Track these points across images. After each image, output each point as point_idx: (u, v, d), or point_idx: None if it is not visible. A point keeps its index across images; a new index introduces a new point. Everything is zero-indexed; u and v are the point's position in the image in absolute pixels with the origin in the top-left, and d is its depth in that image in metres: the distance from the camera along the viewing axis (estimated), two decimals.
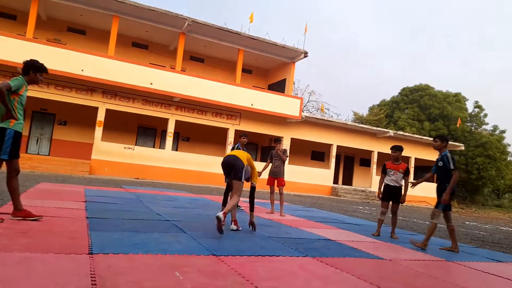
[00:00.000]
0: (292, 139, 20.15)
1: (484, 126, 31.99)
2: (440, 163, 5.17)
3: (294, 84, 24.75)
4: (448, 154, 5.13)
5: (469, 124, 31.67)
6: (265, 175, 7.78)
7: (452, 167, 5.02)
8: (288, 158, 7.59)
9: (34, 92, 15.22)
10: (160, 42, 19.64)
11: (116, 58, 16.17)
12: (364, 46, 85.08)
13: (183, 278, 2.65)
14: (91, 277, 2.48)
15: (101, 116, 16.19)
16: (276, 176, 7.57)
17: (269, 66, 22.01)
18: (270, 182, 7.64)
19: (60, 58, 14.89)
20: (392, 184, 5.86)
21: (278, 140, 7.75)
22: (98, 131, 16.08)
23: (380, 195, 6.03)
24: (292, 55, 20.05)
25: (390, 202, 5.95)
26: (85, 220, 4.58)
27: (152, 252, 3.27)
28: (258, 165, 8.26)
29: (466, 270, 4.07)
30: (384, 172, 6.01)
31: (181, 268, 2.90)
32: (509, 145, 30.30)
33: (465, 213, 19.95)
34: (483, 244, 6.62)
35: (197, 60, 20.87)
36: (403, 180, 5.85)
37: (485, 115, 32.08)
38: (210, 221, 5.60)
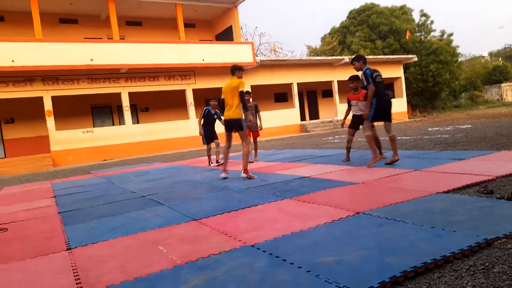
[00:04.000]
0: (252, 86, 19.92)
1: (432, 33, 32.68)
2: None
3: (241, 29, 23.98)
4: (362, 72, 5.24)
5: (418, 34, 32.22)
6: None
7: (365, 83, 5.18)
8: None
9: None
10: (89, 13, 18.14)
11: (46, 40, 14.87)
12: None
13: (167, 250, 2.66)
14: (74, 272, 2.44)
15: (48, 105, 15.22)
16: (252, 130, 7.90)
17: (212, 15, 21.04)
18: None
19: None
20: (358, 113, 6.02)
21: (248, 93, 7.80)
22: (50, 121, 15.20)
23: (344, 125, 6.25)
24: None
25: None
26: (57, 216, 4.45)
27: (131, 233, 3.24)
28: None
29: (432, 175, 4.33)
30: (349, 104, 6.15)
31: (163, 241, 2.89)
32: (458, 46, 31.34)
33: (427, 120, 20.99)
34: (446, 146, 7.02)
35: (134, 25, 19.59)
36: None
37: (432, 22, 32.64)
38: (186, 187, 5.60)
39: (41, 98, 15.22)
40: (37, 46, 14.40)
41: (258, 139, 8.36)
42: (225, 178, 5.73)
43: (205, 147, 8.43)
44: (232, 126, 5.57)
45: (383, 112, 5.24)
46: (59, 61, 14.67)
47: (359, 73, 5.49)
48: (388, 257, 2.06)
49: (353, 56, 5.62)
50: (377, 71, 5.33)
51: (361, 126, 5.97)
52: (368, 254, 2.14)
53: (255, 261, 2.24)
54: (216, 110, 7.87)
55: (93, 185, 7.21)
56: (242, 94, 5.38)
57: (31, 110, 16.33)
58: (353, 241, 2.39)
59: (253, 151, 8.26)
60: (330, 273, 1.95)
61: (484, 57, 50.72)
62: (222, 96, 5.69)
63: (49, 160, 14.81)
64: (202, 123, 7.89)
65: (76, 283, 2.25)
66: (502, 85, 35.37)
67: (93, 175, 9.31)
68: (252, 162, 7.85)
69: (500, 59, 44.86)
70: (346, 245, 2.32)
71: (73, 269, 2.50)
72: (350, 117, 6.25)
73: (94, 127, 17.41)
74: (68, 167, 14.36)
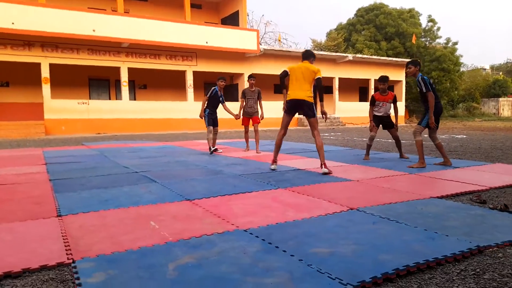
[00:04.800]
0: (253, 74, 19.77)
1: (437, 40, 32.74)
2: (418, 88, 5.23)
3: (248, 15, 23.71)
4: (420, 78, 5.11)
5: (423, 39, 32.23)
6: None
7: (424, 90, 5.06)
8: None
9: None
10: None
11: (49, 5, 14.57)
12: None
13: (159, 226, 2.65)
14: (63, 239, 2.42)
15: (45, 72, 14.98)
16: (251, 116, 7.41)
17: None
18: (245, 122, 7.50)
19: None
20: (381, 114, 6.10)
21: (252, 76, 7.39)
22: (46, 88, 14.98)
23: (372, 128, 6.12)
24: None
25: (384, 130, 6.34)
26: (48, 183, 4.40)
27: (124, 206, 3.22)
28: (228, 105, 7.85)
29: (426, 179, 4.36)
30: (372, 103, 6.13)
31: (156, 217, 2.88)
32: (461, 56, 31.42)
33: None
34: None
35: None
36: (392, 109, 6.10)
37: (438, 29, 32.68)
38: (180, 167, 5.57)
39: (38, 65, 14.97)
40: (39, 11, 14.11)
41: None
42: (274, 170, 5.04)
43: (202, 130, 8.11)
44: (301, 108, 4.89)
45: (437, 117, 5.25)
46: (61, 28, 14.40)
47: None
48: (381, 254, 2.07)
49: (409, 60, 5.34)
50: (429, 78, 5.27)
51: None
52: (361, 249, 2.15)
53: (248, 245, 2.24)
54: (221, 93, 7.28)
55: (86, 156, 7.15)
56: (319, 81, 4.81)
57: (27, 76, 16.07)
58: (346, 235, 2.40)
59: (252, 140, 7.71)
60: (322, 263, 1.95)
61: (485, 69, 50.94)
62: (289, 72, 4.92)
63: (42, 128, 14.64)
64: (206, 104, 7.20)
65: (66, 249, 2.23)
66: (500, 99, 35.63)
67: (86, 147, 9.23)
68: (259, 153, 7.24)
69: (501, 73, 45.13)
70: (339, 239, 2.33)
71: (63, 236, 2.48)
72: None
73: (90, 99, 17.21)
74: (60, 136, 14.21)
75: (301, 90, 4.84)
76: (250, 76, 7.46)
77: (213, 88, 7.19)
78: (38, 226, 2.73)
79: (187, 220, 2.79)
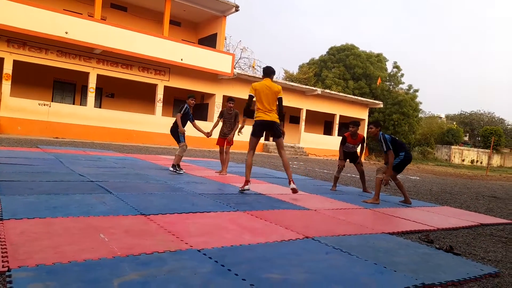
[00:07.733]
0: (224, 96, 19.92)
1: (400, 85, 34.66)
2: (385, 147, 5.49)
3: (225, 39, 24.11)
4: (381, 138, 5.40)
5: (388, 83, 34.02)
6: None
7: (385, 149, 5.35)
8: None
9: None
10: None
11: (21, 1, 14.08)
12: (298, 4, 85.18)
13: (108, 239, 2.53)
14: (1, 244, 2.26)
15: (8, 69, 14.28)
16: (226, 137, 7.30)
17: (199, 19, 21.00)
18: (220, 142, 7.34)
19: None
20: (348, 150, 6.50)
21: (232, 99, 7.27)
22: (6, 85, 14.24)
23: (340, 166, 6.44)
24: (223, 8, 19.28)
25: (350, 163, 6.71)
26: None
27: (73, 215, 3.07)
28: (200, 124, 7.72)
29: (380, 215, 4.50)
30: (343, 144, 6.45)
31: (106, 229, 2.76)
32: (421, 103, 33.43)
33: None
34: (395, 192, 7.36)
35: (119, 9, 19.09)
36: (359, 146, 6.57)
37: (402, 75, 34.66)
38: (139, 180, 5.41)
39: (1, 60, 14.28)
40: (11, 5, 13.59)
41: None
42: (247, 190, 5.19)
43: (166, 145, 7.89)
44: (270, 128, 5.13)
45: (403, 164, 5.59)
46: (31, 26, 13.91)
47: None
48: (332, 284, 2.09)
49: (372, 121, 5.78)
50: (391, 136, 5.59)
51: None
52: (313, 279, 2.16)
53: (200, 266, 2.19)
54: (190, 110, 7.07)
55: (40, 159, 6.79)
56: (281, 101, 5.15)
57: None
58: (300, 263, 2.41)
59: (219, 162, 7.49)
60: None
61: (441, 118, 54.26)
62: (252, 94, 5.13)
63: None
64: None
65: (2, 256, 2.08)
66: (452, 147, 37.94)
67: (41, 150, 8.77)
68: (225, 174, 7.20)
69: (454, 123, 48.23)
70: (292, 266, 2.33)
71: (1, 241, 2.31)
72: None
73: (52, 101, 16.51)
74: (14, 136, 13.43)
75: (269, 112, 5.12)
76: (229, 99, 7.33)
77: (185, 105, 6.94)
78: None
79: (139, 235, 2.69)
